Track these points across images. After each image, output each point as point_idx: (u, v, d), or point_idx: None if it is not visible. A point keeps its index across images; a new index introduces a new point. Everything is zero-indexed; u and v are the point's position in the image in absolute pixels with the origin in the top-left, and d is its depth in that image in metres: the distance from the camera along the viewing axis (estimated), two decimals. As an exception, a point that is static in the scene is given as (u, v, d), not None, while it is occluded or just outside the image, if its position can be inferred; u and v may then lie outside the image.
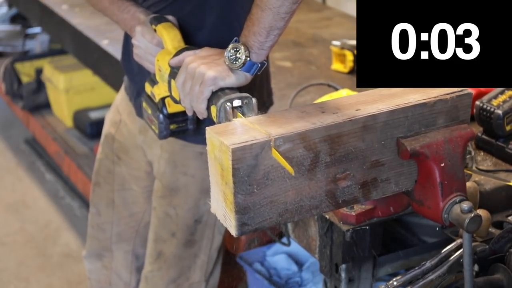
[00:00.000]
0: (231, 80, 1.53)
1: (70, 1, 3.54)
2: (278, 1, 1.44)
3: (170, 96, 1.68)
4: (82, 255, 2.25)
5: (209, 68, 1.52)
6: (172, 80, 1.63)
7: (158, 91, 1.73)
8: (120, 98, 2.08)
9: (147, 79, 1.77)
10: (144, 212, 2.12)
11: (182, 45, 1.69)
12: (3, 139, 4.65)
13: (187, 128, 1.76)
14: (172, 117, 1.73)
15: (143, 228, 2.13)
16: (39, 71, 4.40)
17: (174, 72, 1.63)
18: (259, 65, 1.53)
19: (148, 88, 1.77)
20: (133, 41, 1.76)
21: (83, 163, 3.73)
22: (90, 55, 3.21)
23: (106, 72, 3.16)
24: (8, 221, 3.80)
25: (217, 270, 2.09)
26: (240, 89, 1.54)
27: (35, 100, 4.37)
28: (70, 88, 4.09)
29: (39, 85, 4.37)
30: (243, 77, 1.54)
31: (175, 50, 1.66)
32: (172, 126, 1.74)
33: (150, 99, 1.77)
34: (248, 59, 1.51)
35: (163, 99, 1.72)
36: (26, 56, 4.86)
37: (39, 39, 4.98)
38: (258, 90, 1.82)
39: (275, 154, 1.27)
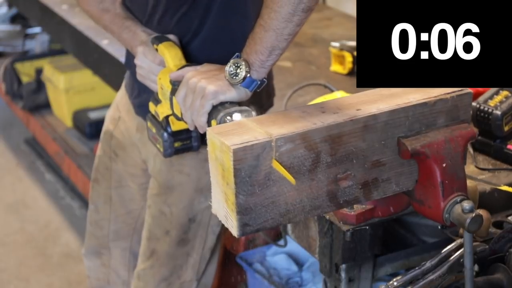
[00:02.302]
0: (232, 94, 1.54)
1: (70, 1, 3.53)
2: (282, 23, 1.45)
3: (173, 113, 1.70)
4: (82, 252, 2.26)
5: (209, 83, 1.54)
6: (174, 97, 1.64)
7: (161, 110, 1.74)
8: (120, 96, 2.09)
9: (151, 98, 1.79)
10: (141, 210, 2.12)
11: (183, 63, 1.71)
12: (3, 139, 4.65)
13: (191, 145, 1.77)
14: (176, 135, 1.74)
15: (140, 225, 2.13)
16: (39, 71, 4.40)
17: (175, 89, 1.65)
18: (259, 82, 1.55)
19: (152, 107, 1.79)
20: (136, 61, 1.78)
21: (83, 163, 3.72)
22: (90, 55, 3.21)
23: (106, 72, 3.15)
24: (8, 221, 3.80)
25: (210, 270, 2.09)
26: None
27: (35, 100, 4.37)
28: (70, 88, 4.08)
29: (39, 85, 4.36)
30: (244, 92, 1.55)
31: (176, 68, 1.68)
32: (176, 144, 1.75)
33: (154, 118, 1.79)
34: (248, 75, 1.52)
35: (166, 117, 1.73)
36: (26, 56, 4.85)
37: (39, 39, 4.97)
38: (256, 92, 1.83)
39: (276, 165, 1.28)
